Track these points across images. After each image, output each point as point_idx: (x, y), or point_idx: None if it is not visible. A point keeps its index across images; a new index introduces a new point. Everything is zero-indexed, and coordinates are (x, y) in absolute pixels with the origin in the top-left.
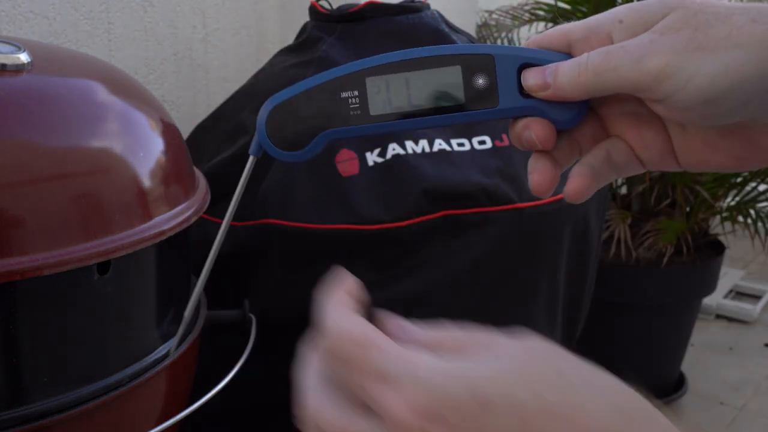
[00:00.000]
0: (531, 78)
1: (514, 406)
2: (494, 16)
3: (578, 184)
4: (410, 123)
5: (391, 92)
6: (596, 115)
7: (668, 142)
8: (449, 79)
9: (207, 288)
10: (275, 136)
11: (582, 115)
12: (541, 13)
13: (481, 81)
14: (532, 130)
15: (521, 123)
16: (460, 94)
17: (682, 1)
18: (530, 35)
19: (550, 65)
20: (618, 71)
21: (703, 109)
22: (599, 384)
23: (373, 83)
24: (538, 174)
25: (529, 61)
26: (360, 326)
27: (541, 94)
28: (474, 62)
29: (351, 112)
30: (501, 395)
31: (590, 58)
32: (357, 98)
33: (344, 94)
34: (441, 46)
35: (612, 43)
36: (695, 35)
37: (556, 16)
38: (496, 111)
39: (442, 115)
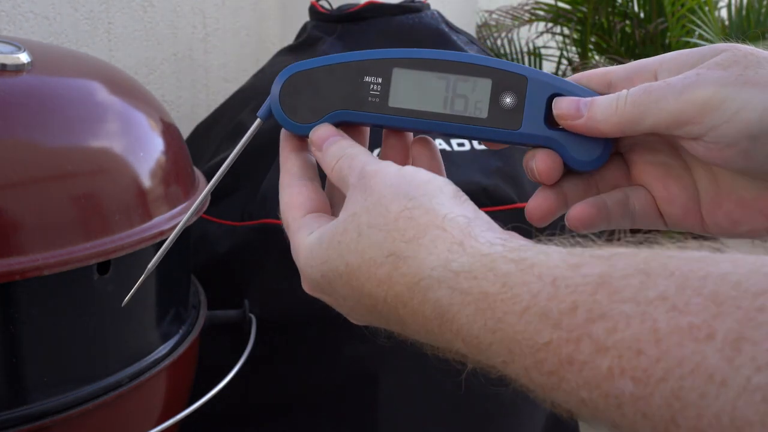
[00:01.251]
0: (564, 105)
1: (338, 276)
2: (494, 16)
3: (582, 213)
4: (425, 124)
5: (415, 88)
6: (622, 161)
7: (695, 200)
8: (477, 91)
9: (207, 288)
10: (287, 104)
11: (603, 160)
12: (541, 13)
13: (508, 100)
14: (535, 159)
15: (531, 151)
16: (484, 108)
17: (733, 45)
18: (530, 35)
19: (586, 97)
20: (659, 103)
21: (747, 145)
22: (386, 226)
23: (399, 75)
24: (536, 201)
25: (562, 92)
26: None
27: (571, 123)
28: (506, 79)
29: (369, 98)
30: (330, 270)
31: (630, 92)
32: (379, 86)
33: (367, 79)
34: (477, 56)
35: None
36: (745, 71)
37: (556, 16)
38: (516, 134)
39: (459, 125)
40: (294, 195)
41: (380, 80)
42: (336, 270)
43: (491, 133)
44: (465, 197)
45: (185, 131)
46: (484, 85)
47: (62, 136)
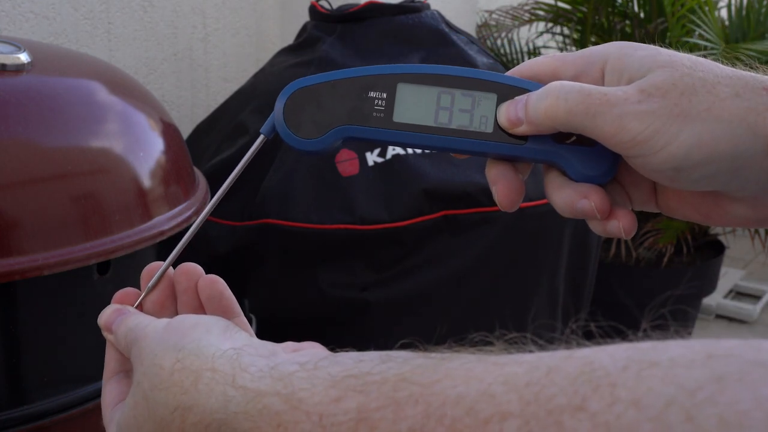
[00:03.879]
0: (503, 113)
1: None
2: (494, 16)
3: (632, 221)
4: (430, 140)
5: (419, 103)
6: None
7: (653, 184)
8: (482, 105)
9: None
10: (291, 120)
11: (612, 173)
12: (541, 13)
13: None
14: (497, 188)
15: (493, 176)
16: (489, 122)
17: (672, 60)
18: (530, 35)
19: (521, 96)
20: (596, 119)
21: (671, 174)
22: (164, 383)
23: (403, 90)
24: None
25: None
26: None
27: (518, 131)
28: (511, 94)
29: (374, 114)
30: None
31: (568, 94)
32: (383, 101)
33: (372, 94)
34: (481, 71)
35: (602, 80)
36: (680, 100)
37: (556, 16)
38: (522, 149)
39: (465, 140)
40: (106, 393)
41: (385, 95)
42: None
43: (497, 148)
44: (236, 329)
45: (185, 131)
46: (490, 99)
47: (62, 136)
